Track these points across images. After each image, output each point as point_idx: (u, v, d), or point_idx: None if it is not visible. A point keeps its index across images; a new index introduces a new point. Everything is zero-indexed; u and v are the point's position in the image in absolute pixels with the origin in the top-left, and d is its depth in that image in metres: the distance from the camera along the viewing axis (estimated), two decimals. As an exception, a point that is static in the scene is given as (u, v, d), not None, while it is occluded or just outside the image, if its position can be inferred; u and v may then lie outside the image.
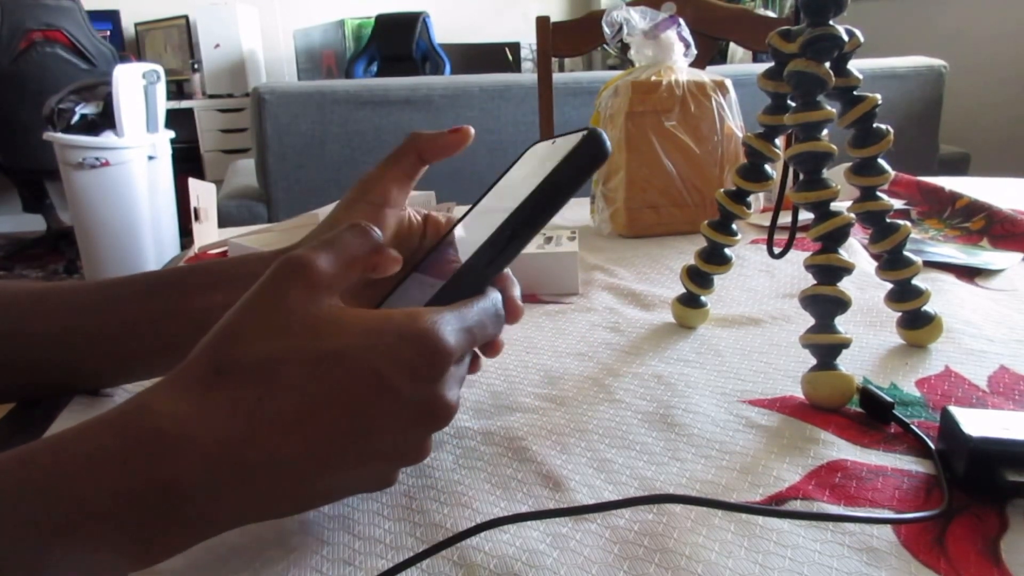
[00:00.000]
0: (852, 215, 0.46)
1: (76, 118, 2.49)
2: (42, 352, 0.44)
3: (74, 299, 0.45)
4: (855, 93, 0.48)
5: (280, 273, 0.30)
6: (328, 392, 0.28)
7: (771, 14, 2.26)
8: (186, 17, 4.02)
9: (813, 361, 0.45)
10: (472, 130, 0.44)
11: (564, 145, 0.35)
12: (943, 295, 0.61)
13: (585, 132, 0.35)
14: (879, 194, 0.49)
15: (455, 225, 0.41)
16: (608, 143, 0.35)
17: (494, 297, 0.35)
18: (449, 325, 0.30)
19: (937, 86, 2.24)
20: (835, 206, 0.46)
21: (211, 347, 0.29)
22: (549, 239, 0.70)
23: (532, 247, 0.67)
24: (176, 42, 4.07)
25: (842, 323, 0.45)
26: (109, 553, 0.25)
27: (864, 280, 0.64)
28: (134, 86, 2.49)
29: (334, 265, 0.31)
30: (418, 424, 0.30)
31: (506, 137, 2.13)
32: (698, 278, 0.56)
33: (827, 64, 0.45)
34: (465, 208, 0.45)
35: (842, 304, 0.45)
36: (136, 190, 2.57)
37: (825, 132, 0.46)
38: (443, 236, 0.42)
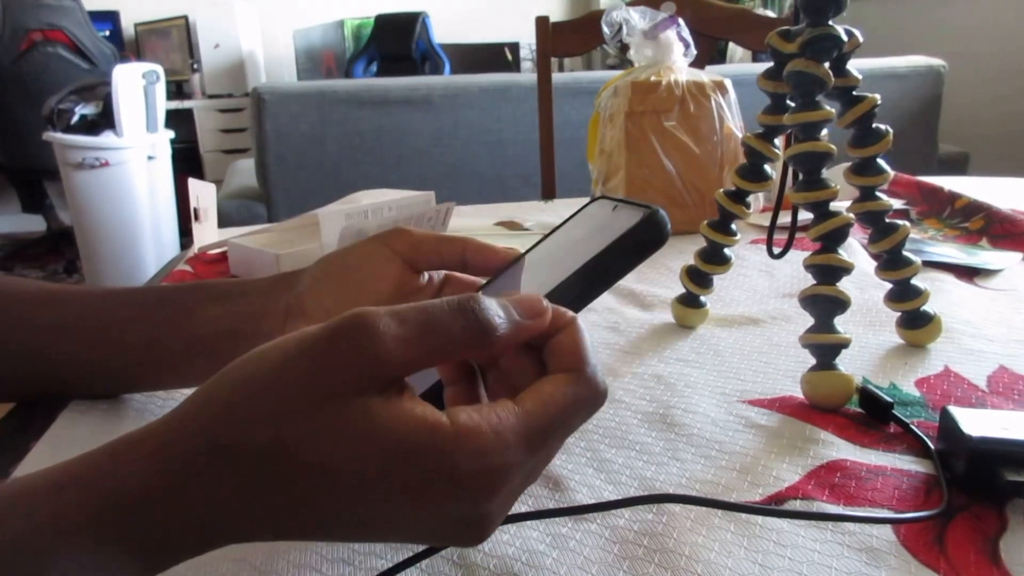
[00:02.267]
0: (851, 215, 0.46)
1: (76, 118, 2.49)
2: (40, 355, 0.44)
3: (74, 303, 0.45)
4: (854, 93, 0.48)
5: (340, 337, 0.23)
6: (352, 501, 0.23)
7: (771, 14, 2.25)
8: (186, 17, 4.02)
9: (813, 361, 0.45)
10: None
11: (622, 219, 0.31)
12: (942, 295, 0.61)
13: (645, 213, 0.30)
14: (878, 194, 0.49)
15: (494, 275, 0.37)
16: (668, 227, 0.30)
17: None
18: (504, 427, 0.24)
19: (936, 86, 2.24)
20: (834, 206, 0.46)
21: (214, 419, 0.24)
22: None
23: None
24: (175, 42, 4.07)
25: (841, 323, 0.45)
26: None
27: (863, 280, 0.64)
28: (134, 86, 2.49)
29: (408, 352, 0.23)
30: (469, 534, 0.26)
31: (506, 137, 2.13)
32: (698, 278, 0.56)
33: (826, 64, 0.45)
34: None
35: (841, 304, 0.45)
36: (136, 190, 2.57)
37: (824, 132, 0.46)
38: (490, 280, 0.37)
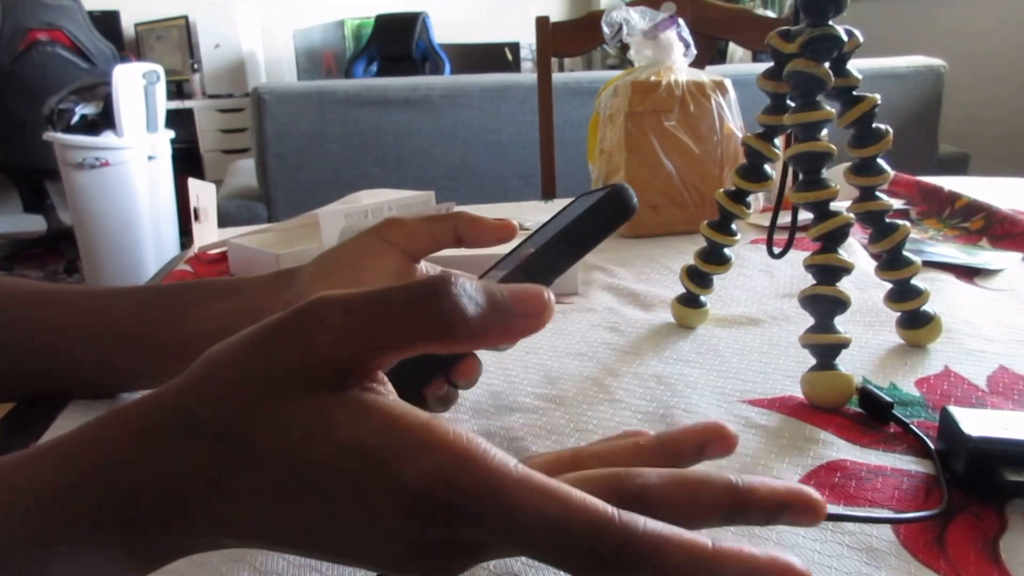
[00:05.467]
0: (851, 215, 0.46)
1: (76, 118, 2.49)
2: (39, 355, 0.44)
3: (72, 303, 0.45)
4: (854, 93, 0.48)
5: (289, 325, 0.23)
6: (295, 502, 0.22)
7: (771, 14, 2.26)
8: (186, 17, 4.02)
9: (813, 361, 0.45)
10: (515, 226, 0.40)
11: (593, 197, 0.34)
12: (942, 295, 0.61)
13: (609, 187, 0.33)
14: (878, 194, 0.49)
15: (499, 261, 0.38)
16: (633, 199, 0.33)
17: None
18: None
19: (936, 86, 2.24)
20: (834, 206, 0.46)
21: (183, 391, 0.23)
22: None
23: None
24: (175, 42, 4.07)
25: (841, 323, 0.45)
26: None
27: (863, 280, 0.64)
28: (134, 86, 2.49)
29: (349, 344, 0.22)
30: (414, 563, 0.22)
31: (506, 137, 2.13)
32: (698, 278, 0.56)
33: (826, 64, 0.45)
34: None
35: (841, 304, 0.45)
36: (136, 190, 2.57)
37: (824, 132, 0.46)
38: (485, 271, 0.38)
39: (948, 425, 0.37)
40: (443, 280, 0.22)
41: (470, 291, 0.23)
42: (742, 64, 3.18)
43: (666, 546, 0.20)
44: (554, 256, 0.32)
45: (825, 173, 0.46)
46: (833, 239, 0.45)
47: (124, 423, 0.24)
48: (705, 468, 0.24)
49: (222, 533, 0.23)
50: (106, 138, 2.48)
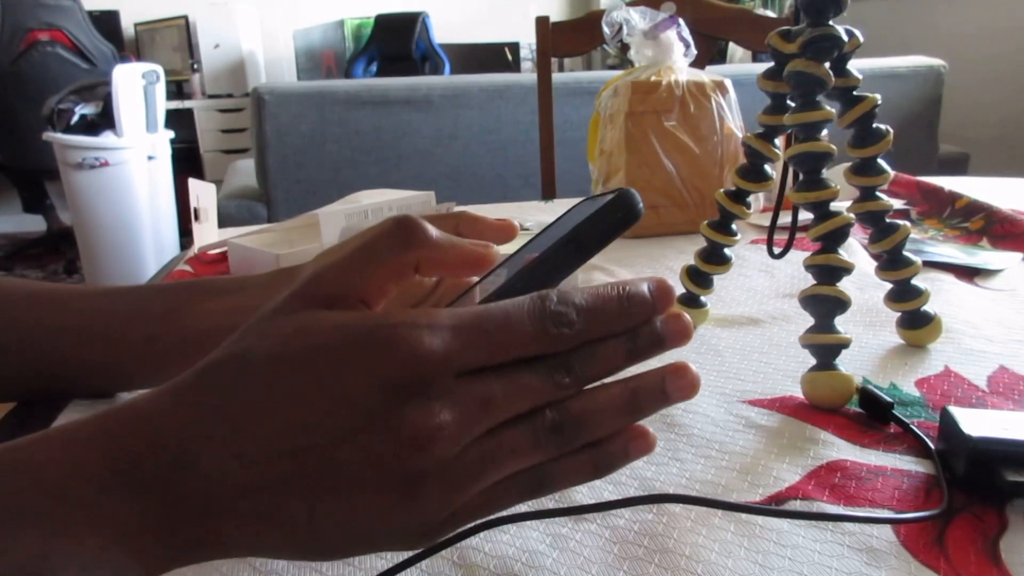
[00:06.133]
0: (852, 215, 0.46)
1: (76, 118, 2.49)
2: (39, 355, 0.44)
3: (72, 302, 0.45)
4: (855, 93, 0.48)
5: (293, 287, 0.27)
6: (280, 396, 0.24)
7: (771, 14, 2.25)
8: (186, 17, 4.02)
9: (813, 361, 0.45)
10: (516, 226, 0.37)
11: (598, 201, 0.34)
12: (942, 295, 0.61)
13: (615, 191, 0.33)
14: (879, 194, 0.49)
15: (499, 264, 0.39)
16: (639, 204, 0.33)
17: (547, 293, 0.27)
18: (435, 323, 0.24)
19: (936, 86, 2.24)
20: (835, 206, 0.46)
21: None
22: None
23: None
24: (175, 42, 4.07)
25: (842, 323, 0.45)
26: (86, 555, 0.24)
27: (864, 280, 0.64)
28: (134, 86, 2.49)
29: (345, 274, 0.27)
30: (387, 448, 0.23)
31: (506, 137, 2.13)
32: (698, 278, 0.56)
33: (827, 64, 0.45)
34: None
35: (842, 304, 0.45)
36: (136, 190, 2.57)
37: (825, 132, 0.46)
38: (486, 274, 0.37)
39: (948, 425, 0.37)
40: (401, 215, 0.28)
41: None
42: (742, 64, 3.18)
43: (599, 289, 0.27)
44: (558, 260, 0.32)
45: (825, 173, 0.46)
46: (833, 239, 0.45)
47: (156, 389, 0.26)
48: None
49: (223, 489, 0.24)
50: (106, 138, 2.48)
